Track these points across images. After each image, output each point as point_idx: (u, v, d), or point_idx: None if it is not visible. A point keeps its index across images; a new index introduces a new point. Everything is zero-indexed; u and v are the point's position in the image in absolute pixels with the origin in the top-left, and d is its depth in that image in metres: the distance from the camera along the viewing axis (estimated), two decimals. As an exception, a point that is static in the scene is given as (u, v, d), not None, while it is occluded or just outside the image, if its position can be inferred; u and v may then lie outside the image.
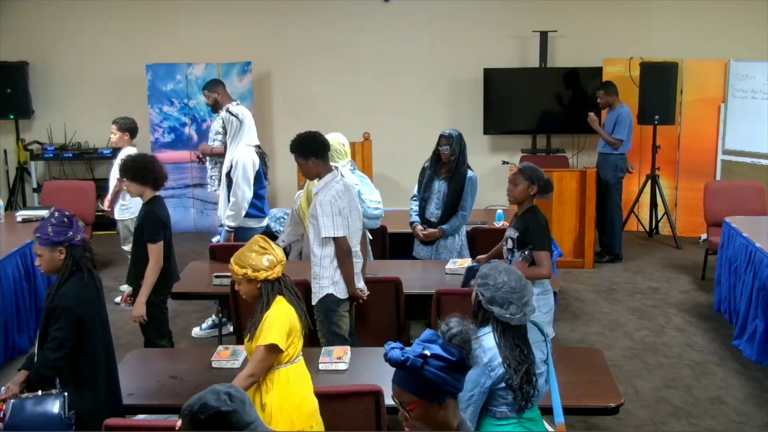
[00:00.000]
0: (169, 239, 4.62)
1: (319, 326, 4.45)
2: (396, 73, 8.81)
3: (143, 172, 4.55)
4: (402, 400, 2.20)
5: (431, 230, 5.51)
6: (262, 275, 3.26)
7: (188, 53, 8.53)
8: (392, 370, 2.23)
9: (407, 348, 2.21)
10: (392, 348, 2.20)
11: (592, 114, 7.70)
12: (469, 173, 5.48)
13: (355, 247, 4.47)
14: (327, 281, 4.35)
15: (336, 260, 4.33)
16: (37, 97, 8.83)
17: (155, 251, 4.50)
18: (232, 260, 3.32)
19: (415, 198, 5.66)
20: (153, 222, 4.54)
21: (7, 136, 8.94)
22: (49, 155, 8.64)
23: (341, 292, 4.37)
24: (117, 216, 6.58)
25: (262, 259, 3.27)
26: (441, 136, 5.44)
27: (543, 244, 4.30)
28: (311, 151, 4.34)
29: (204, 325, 5.96)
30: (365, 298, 4.54)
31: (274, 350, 3.22)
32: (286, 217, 6.11)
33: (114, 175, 6.44)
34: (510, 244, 4.39)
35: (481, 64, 8.49)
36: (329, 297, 4.36)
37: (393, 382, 2.23)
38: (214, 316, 5.94)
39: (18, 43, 8.75)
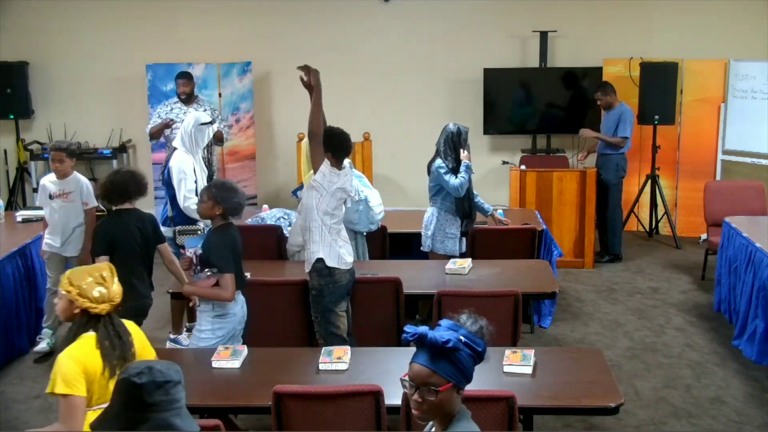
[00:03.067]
0: (126, 255, 4.40)
1: (317, 327, 4.47)
2: (396, 73, 8.80)
3: (122, 191, 4.47)
4: (430, 381, 2.18)
5: None
6: (83, 304, 2.94)
7: (188, 53, 8.52)
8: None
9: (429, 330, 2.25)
10: (417, 329, 2.23)
11: (584, 130, 7.75)
12: None
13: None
14: (316, 246, 4.37)
15: (324, 232, 4.35)
16: (37, 97, 8.82)
17: None
18: (68, 272, 3.04)
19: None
20: (95, 236, 4.52)
21: (7, 136, 8.93)
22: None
23: (332, 260, 4.37)
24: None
25: (95, 289, 2.95)
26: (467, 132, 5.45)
27: (227, 265, 4.07)
28: (334, 148, 4.46)
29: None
30: None
31: (69, 397, 2.82)
32: (286, 217, 6.09)
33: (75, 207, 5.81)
34: (196, 260, 4.15)
35: (481, 64, 8.49)
36: (320, 263, 4.36)
37: (420, 363, 2.21)
38: (187, 324, 5.63)
39: (18, 43, 8.75)
